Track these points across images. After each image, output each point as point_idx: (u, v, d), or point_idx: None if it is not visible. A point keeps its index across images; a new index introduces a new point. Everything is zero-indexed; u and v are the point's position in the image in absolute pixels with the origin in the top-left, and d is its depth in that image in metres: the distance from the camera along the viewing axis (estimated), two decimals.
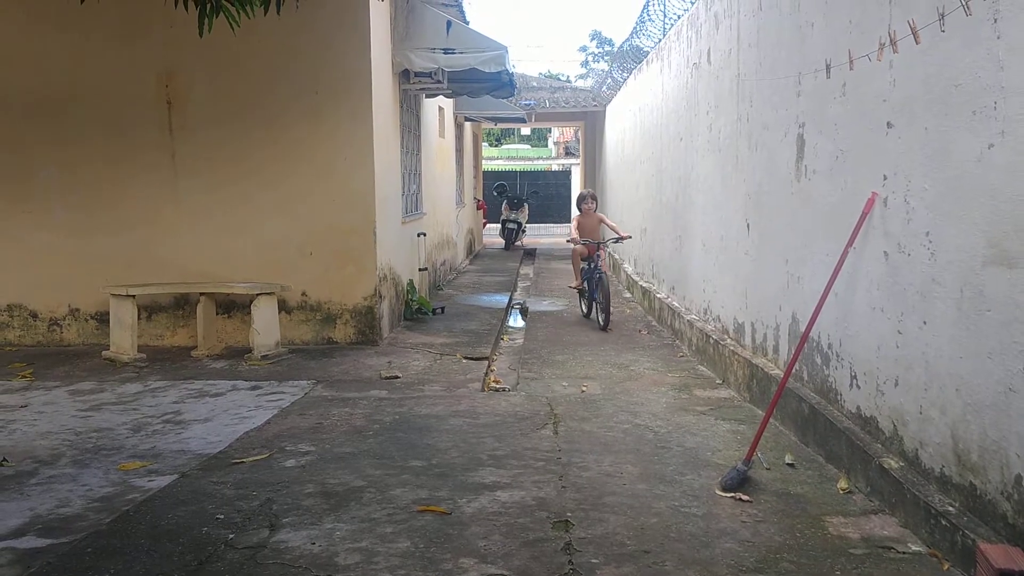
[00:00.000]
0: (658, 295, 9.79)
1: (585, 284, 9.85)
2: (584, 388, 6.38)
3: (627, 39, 12.93)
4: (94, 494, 4.14)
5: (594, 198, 10.26)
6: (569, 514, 3.83)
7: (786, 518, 3.81)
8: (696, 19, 8.06)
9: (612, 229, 9.77)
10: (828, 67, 4.65)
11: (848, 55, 4.36)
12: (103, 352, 7.51)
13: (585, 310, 9.97)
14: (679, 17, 9.02)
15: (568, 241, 10.22)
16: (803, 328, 4.77)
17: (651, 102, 10.95)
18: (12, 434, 5.21)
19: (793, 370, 4.72)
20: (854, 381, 4.36)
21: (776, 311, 5.57)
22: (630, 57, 12.88)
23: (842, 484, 4.18)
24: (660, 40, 10.26)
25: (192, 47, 7.55)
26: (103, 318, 7.84)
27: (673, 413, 5.65)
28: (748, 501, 4.00)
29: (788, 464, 4.54)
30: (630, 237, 9.77)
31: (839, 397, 4.56)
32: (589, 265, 9.66)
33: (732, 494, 4.08)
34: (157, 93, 7.86)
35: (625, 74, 13.89)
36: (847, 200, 4.45)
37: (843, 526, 3.71)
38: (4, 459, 4.68)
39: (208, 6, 4.96)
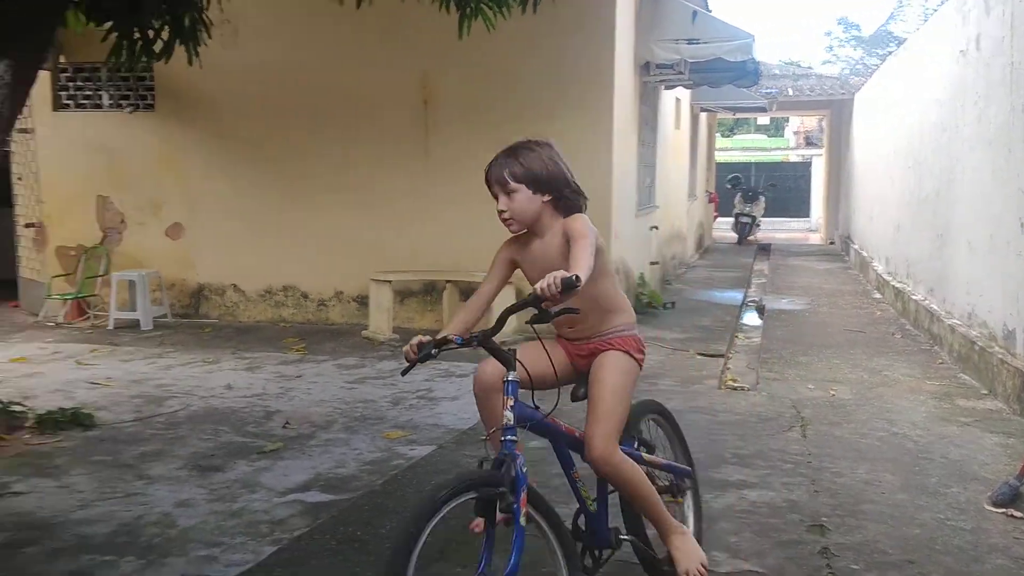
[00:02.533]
0: (913, 297, 9.09)
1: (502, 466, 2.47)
2: (833, 392, 6.07)
3: (882, 24, 12.11)
4: (364, 458, 4.56)
5: (567, 184, 2.80)
6: (824, 519, 3.70)
7: None
8: (963, 4, 7.42)
9: (575, 265, 2.52)
10: None
11: None
12: (362, 332, 8.20)
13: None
14: (942, 2, 8.31)
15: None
16: None
17: (908, 91, 10.15)
18: (291, 400, 5.85)
19: None
20: None
21: None
22: (884, 43, 12.03)
23: None
24: (920, 26, 9.50)
25: (445, 47, 7.95)
26: (363, 301, 8.54)
27: (934, 423, 5.25)
28: (1021, 518, 3.71)
29: None
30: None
31: None
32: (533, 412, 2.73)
33: (1003, 510, 3.81)
34: (417, 92, 8.41)
35: (878, 61, 12.99)
36: None
37: None
38: (287, 422, 5.28)
39: (468, 8, 5.28)
